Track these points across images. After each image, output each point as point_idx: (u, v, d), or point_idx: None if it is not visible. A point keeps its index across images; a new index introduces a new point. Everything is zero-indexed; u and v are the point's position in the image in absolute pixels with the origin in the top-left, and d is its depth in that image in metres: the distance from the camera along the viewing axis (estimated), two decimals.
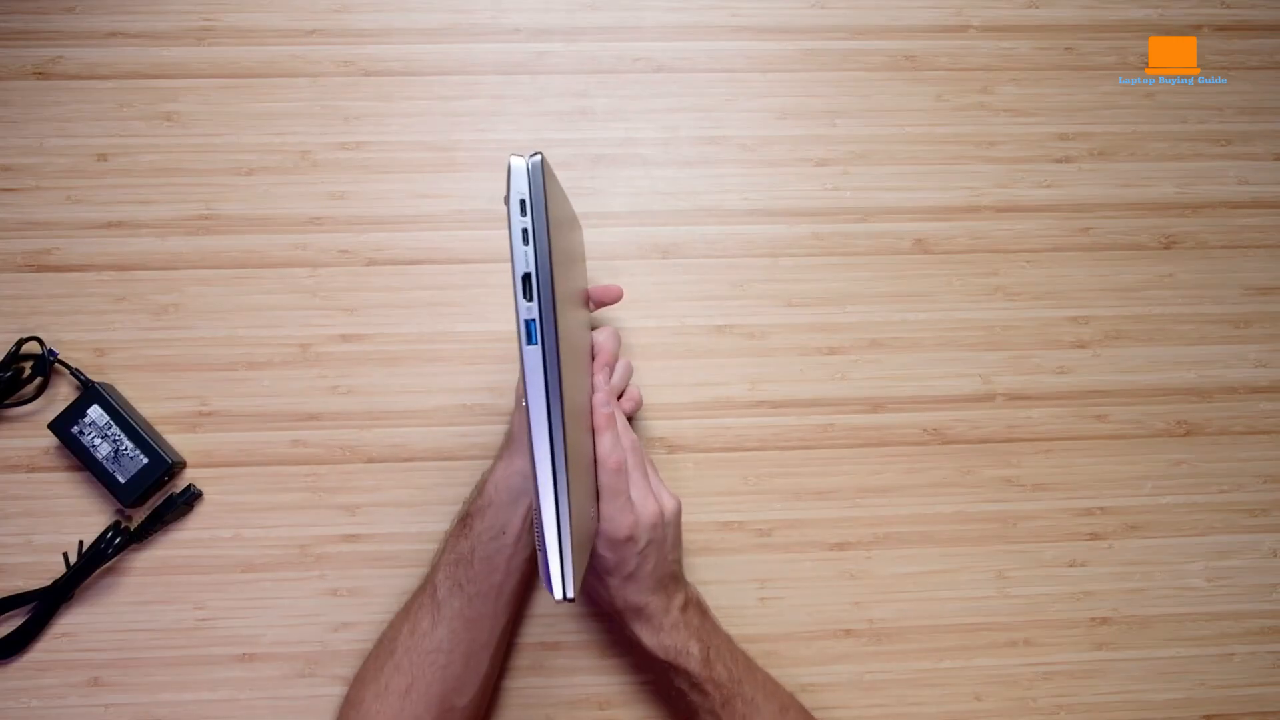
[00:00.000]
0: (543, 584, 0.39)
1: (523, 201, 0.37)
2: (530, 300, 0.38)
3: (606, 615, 0.61)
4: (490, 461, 0.57)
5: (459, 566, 0.53)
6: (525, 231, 0.37)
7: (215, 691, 0.59)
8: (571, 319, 0.48)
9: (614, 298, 0.58)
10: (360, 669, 0.55)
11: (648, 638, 0.52)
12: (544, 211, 0.37)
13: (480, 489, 0.54)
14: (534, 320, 0.38)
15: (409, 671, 0.51)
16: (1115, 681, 0.63)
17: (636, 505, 0.50)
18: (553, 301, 0.38)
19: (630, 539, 0.49)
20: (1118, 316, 0.66)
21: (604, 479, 0.49)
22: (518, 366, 0.63)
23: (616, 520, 0.49)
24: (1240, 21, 0.68)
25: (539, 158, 0.38)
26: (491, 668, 0.55)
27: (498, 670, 0.57)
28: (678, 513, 0.53)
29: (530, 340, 0.38)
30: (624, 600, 0.52)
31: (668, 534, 0.52)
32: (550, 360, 0.38)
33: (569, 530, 0.39)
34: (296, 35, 0.64)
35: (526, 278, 0.38)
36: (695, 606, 0.55)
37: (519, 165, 0.37)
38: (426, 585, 0.54)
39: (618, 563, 0.50)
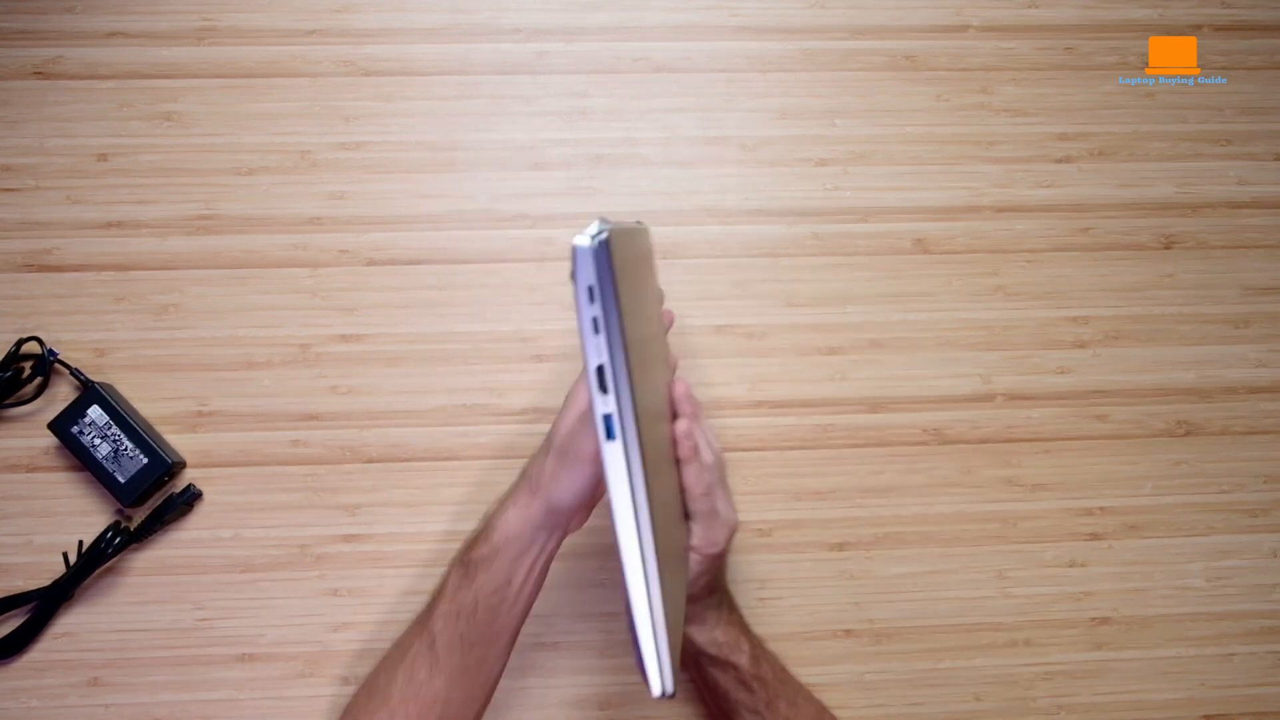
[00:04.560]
0: (643, 679, 0.37)
1: (590, 289, 0.33)
2: (606, 393, 0.35)
3: (607, 615, 0.61)
4: (499, 502, 0.52)
5: (459, 619, 0.50)
6: (596, 321, 0.34)
7: (215, 691, 0.59)
8: (652, 376, 0.44)
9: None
10: (348, 712, 0.52)
11: (701, 635, 0.52)
12: (614, 298, 0.34)
13: (486, 535, 0.50)
14: (612, 415, 0.35)
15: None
16: (1115, 681, 0.63)
17: (723, 519, 0.49)
18: (631, 392, 0.35)
19: (723, 553, 0.49)
20: (1118, 316, 0.66)
21: (697, 506, 0.47)
22: (517, 370, 0.63)
23: (710, 539, 0.48)
24: (1240, 21, 0.68)
25: (605, 235, 0.33)
26: (487, 702, 0.53)
27: (489, 704, 0.55)
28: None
29: (610, 435, 0.35)
30: (692, 610, 0.51)
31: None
32: (633, 455, 0.35)
33: (664, 627, 0.36)
34: (296, 35, 0.64)
35: (600, 370, 0.34)
36: (734, 606, 0.55)
37: (584, 248, 0.33)
38: (423, 631, 0.51)
39: (706, 578, 0.49)
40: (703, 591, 0.50)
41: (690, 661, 0.54)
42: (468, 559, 0.50)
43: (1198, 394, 0.65)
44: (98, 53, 0.63)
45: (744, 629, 0.54)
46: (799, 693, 0.54)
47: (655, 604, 0.36)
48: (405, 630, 0.52)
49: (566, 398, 0.50)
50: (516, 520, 0.49)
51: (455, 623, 0.50)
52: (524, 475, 0.51)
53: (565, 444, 0.47)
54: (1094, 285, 0.66)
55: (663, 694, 0.37)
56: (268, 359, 0.62)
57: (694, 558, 0.48)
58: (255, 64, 0.63)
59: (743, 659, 0.52)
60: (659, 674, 0.36)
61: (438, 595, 0.51)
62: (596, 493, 0.49)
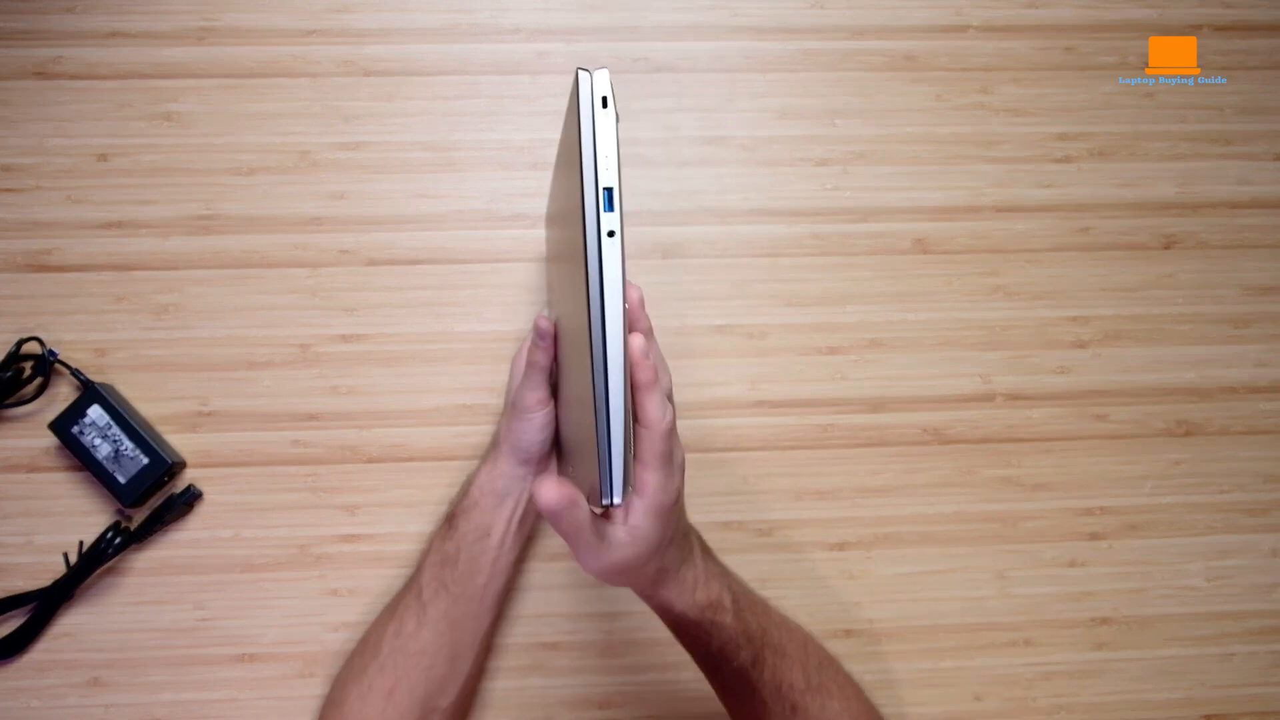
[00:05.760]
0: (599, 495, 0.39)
1: (605, 99, 0.38)
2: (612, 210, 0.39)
3: (607, 615, 0.61)
4: (476, 464, 0.57)
5: (444, 567, 0.53)
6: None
7: (215, 691, 0.59)
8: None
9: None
10: (343, 668, 0.55)
11: (682, 600, 0.46)
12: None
13: (465, 490, 0.55)
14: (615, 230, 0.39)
15: (393, 672, 0.51)
16: (1115, 681, 0.63)
17: (679, 462, 0.43)
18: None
19: (679, 498, 0.44)
20: (1118, 316, 0.66)
21: (656, 447, 0.41)
22: (509, 368, 0.63)
23: (669, 485, 0.42)
24: (1240, 21, 0.68)
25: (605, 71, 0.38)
26: (474, 669, 0.55)
27: (480, 671, 0.58)
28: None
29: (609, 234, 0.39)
30: (662, 567, 0.45)
31: None
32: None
33: (622, 430, 0.39)
34: (296, 35, 0.64)
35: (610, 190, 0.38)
36: (706, 549, 0.49)
37: (601, 74, 0.38)
38: (412, 585, 0.54)
39: (665, 529, 0.43)
40: (670, 547, 0.45)
41: (669, 625, 0.49)
42: (449, 514, 0.55)
43: (1198, 394, 0.65)
44: (98, 53, 0.63)
45: (724, 579, 0.49)
46: (781, 632, 0.50)
47: (616, 411, 0.39)
48: (398, 590, 0.56)
49: (513, 363, 0.58)
50: (488, 474, 0.54)
51: (440, 571, 0.53)
52: (495, 435, 0.57)
53: (515, 399, 0.52)
54: (1094, 285, 0.66)
55: (609, 504, 0.39)
56: (268, 359, 0.62)
57: (644, 516, 0.42)
58: (255, 64, 0.63)
59: (726, 616, 0.47)
60: (609, 486, 0.39)
61: (424, 552, 0.55)
62: (549, 438, 0.53)
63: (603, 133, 0.38)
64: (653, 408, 0.41)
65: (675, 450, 0.43)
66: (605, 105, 0.38)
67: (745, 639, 0.48)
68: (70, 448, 0.58)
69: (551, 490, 0.39)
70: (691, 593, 0.46)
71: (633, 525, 0.42)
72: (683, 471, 0.44)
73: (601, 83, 0.38)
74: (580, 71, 0.38)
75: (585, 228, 0.38)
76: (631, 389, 0.40)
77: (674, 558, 0.46)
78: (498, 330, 0.63)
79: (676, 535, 0.45)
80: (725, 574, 0.49)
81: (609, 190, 0.38)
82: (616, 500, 0.39)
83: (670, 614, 0.47)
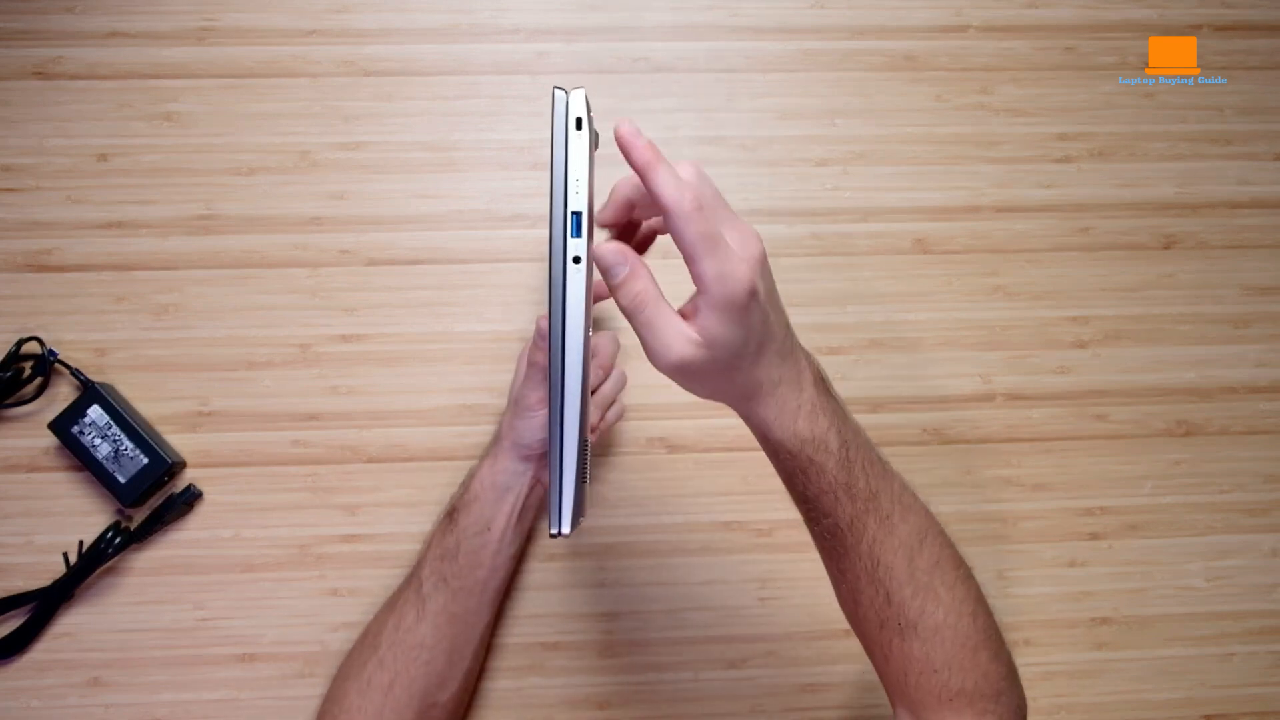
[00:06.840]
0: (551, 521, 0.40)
1: (580, 119, 0.37)
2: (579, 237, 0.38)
3: (607, 614, 0.61)
4: (478, 460, 0.57)
5: (444, 561, 0.53)
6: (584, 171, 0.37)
7: (215, 691, 0.59)
8: None
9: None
10: (344, 662, 0.55)
11: (780, 426, 0.41)
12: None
13: (466, 485, 0.55)
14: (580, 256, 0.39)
15: (392, 667, 0.52)
16: (1115, 681, 0.63)
17: (740, 245, 0.37)
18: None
19: (753, 292, 0.37)
20: (1118, 316, 0.66)
21: (684, 230, 0.35)
22: (514, 365, 0.63)
23: (731, 274, 0.36)
24: (1240, 21, 0.68)
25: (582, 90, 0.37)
26: (474, 664, 0.56)
27: (479, 667, 0.58)
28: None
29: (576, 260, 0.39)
30: (754, 380, 0.40)
31: (770, 272, 0.39)
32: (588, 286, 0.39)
33: (573, 472, 0.40)
34: (296, 35, 0.64)
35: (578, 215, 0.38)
36: (822, 381, 0.43)
37: (577, 95, 0.37)
38: (412, 580, 0.55)
39: (746, 332, 0.37)
40: (764, 359, 0.39)
41: (768, 454, 0.44)
42: (450, 509, 0.55)
43: (1198, 394, 0.65)
44: (98, 53, 0.63)
45: (837, 419, 0.42)
46: (896, 504, 0.44)
47: (570, 442, 0.40)
48: (400, 583, 0.56)
49: (518, 360, 0.58)
50: (490, 468, 0.55)
51: (440, 565, 0.54)
52: (496, 432, 0.57)
53: (516, 397, 0.54)
54: (1094, 285, 0.66)
55: (557, 534, 0.40)
56: (268, 359, 0.62)
57: (710, 314, 0.37)
58: (255, 64, 0.63)
59: (829, 461, 0.41)
60: (558, 516, 0.40)
61: (424, 547, 0.56)
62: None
63: (575, 156, 0.37)
64: (664, 187, 0.35)
65: (725, 231, 0.37)
66: (579, 127, 0.37)
67: (846, 494, 0.42)
68: (70, 448, 0.58)
69: (610, 245, 0.37)
70: (792, 419, 0.41)
71: (701, 325, 0.37)
72: (759, 262, 0.38)
73: (576, 103, 0.37)
74: (556, 90, 0.37)
75: (551, 253, 0.38)
76: (639, 173, 0.36)
77: (772, 374, 0.40)
78: (498, 330, 0.63)
79: (771, 346, 0.39)
80: (841, 416, 0.43)
81: (577, 215, 0.37)
82: (564, 530, 0.40)
83: (767, 440, 0.42)
